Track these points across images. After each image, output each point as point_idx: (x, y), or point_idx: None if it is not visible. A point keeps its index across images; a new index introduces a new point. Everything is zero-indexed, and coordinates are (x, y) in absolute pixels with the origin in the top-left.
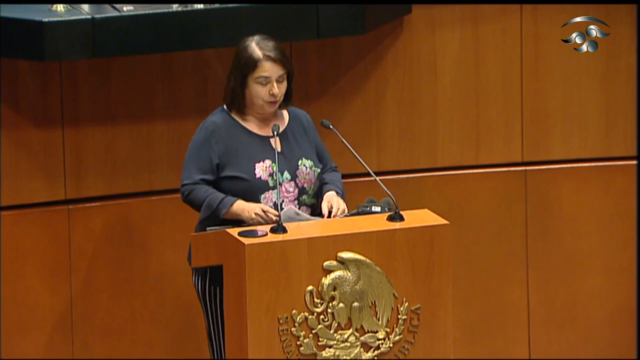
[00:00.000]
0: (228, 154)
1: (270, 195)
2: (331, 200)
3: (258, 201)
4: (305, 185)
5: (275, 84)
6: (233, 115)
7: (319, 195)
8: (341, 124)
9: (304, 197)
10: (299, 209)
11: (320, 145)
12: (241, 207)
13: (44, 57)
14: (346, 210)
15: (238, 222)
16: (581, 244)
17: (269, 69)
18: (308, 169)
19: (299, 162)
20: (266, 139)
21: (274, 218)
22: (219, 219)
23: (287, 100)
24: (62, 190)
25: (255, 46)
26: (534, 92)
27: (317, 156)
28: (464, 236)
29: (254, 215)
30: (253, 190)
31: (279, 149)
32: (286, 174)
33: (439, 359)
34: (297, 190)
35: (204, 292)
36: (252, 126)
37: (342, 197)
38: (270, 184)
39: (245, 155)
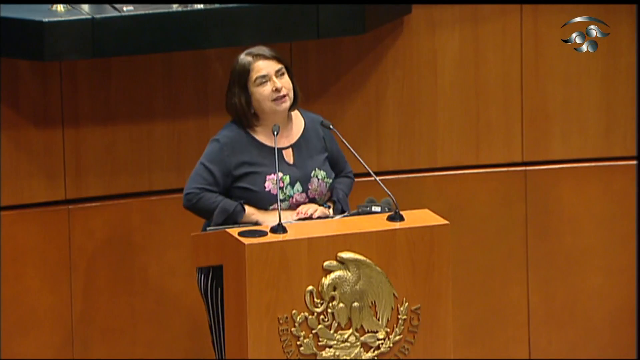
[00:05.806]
0: (240, 166)
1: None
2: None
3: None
4: (316, 197)
5: (275, 79)
6: (244, 128)
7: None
8: (341, 124)
9: None
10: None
11: (337, 151)
12: (253, 211)
13: (44, 57)
14: (326, 212)
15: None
16: (581, 244)
17: (264, 67)
18: (320, 181)
19: (312, 174)
20: (279, 150)
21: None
22: (232, 222)
23: (295, 100)
24: (62, 190)
25: (244, 55)
26: (534, 92)
27: (332, 162)
28: (464, 236)
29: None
30: (261, 202)
31: (292, 161)
32: (298, 186)
33: (439, 359)
34: (307, 202)
35: (206, 290)
36: (263, 138)
37: (344, 204)
38: (280, 196)
39: (257, 168)
